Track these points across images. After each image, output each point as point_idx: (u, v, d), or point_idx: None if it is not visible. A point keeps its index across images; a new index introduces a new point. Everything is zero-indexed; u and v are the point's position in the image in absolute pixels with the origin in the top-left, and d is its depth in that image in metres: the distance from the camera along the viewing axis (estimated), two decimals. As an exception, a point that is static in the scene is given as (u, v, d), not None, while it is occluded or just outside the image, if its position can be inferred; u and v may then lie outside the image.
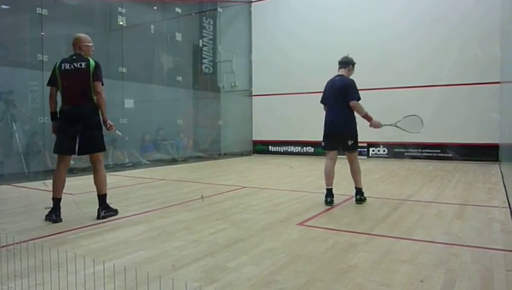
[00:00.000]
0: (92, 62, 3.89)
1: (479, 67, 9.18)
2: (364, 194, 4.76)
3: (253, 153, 12.47)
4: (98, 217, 3.91)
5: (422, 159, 9.88)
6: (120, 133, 4.39)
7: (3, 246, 2.91)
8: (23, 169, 6.98)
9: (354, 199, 4.72)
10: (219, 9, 11.87)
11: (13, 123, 7.00)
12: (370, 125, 4.66)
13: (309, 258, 2.76)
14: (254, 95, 12.55)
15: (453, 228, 3.58)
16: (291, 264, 2.63)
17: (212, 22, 11.78)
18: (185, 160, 10.33)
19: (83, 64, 3.86)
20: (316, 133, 10.79)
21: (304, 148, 11.65)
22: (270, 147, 12.26)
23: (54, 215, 3.81)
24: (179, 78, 10.66)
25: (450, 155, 9.68)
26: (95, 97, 3.87)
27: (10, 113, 6.98)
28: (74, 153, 4.00)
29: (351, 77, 4.70)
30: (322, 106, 4.87)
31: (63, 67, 3.88)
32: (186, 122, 11.00)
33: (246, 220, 3.90)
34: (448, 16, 9.58)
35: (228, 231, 3.47)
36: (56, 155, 3.99)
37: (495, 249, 2.95)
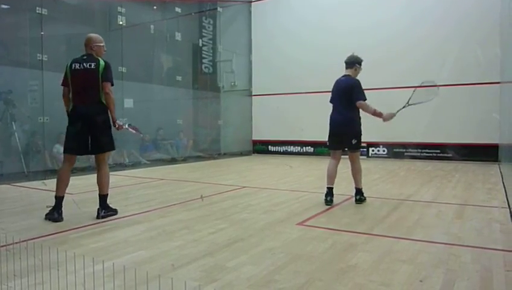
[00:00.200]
0: (101, 62, 3.92)
1: (479, 68, 9.18)
2: (364, 194, 4.76)
3: (253, 152, 12.47)
4: (98, 217, 3.91)
5: (422, 159, 9.89)
6: (134, 131, 4.41)
7: (2, 246, 2.90)
8: (23, 169, 6.98)
9: (354, 199, 4.72)
10: (219, 9, 11.87)
11: (13, 123, 6.99)
12: (384, 120, 4.58)
13: (308, 258, 2.76)
14: (254, 95, 12.55)
15: (453, 228, 3.58)
16: (291, 264, 2.63)
17: (212, 22, 11.77)
18: (185, 160, 10.33)
19: (92, 64, 3.89)
20: (316, 133, 10.87)
21: (304, 148, 11.65)
22: (269, 146, 12.26)
23: (56, 213, 3.81)
24: (179, 78, 10.66)
25: (449, 155, 9.68)
26: (103, 97, 3.89)
27: (10, 112, 6.97)
28: (81, 154, 4.01)
29: (358, 76, 4.69)
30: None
31: (73, 67, 3.93)
32: (185, 122, 11.00)
33: (245, 219, 3.90)
34: (448, 16, 9.59)
35: (228, 231, 3.47)
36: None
37: (494, 249, 2.95)
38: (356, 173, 4.69)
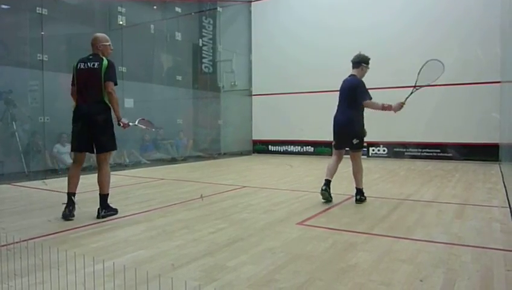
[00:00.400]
0: (104, 62, 3.94)
1: (479, 67, 9.18)
2: (364, 194, 4.75)
3: (253, 152, 12.47)
4: (98, 217, 3.91)
5: (422, 159, 9.88)
6: (144, 127, 4.43)
7: (3, 245, 2.91)
8: (23, 168, 6.98)
9: (354, 198, 4.72)
10: (219, 8, 11.87)
11: (13, 123, 7.00)
12: (394, 112, 4.55)
13: (308, 257, 2.76)
14: (254, 95, 12.55)
15: (453, 227, 3.58)
16: (291, 264, 2.63)
17: (212, 22, 11.77)
18: (185, 159, 10.33)
19: (96, 64, 3.92)
20: (316, 132, 10.87)
21: (304, 147, 11.65)
22: (269, 146, 12.26)
23: (67, 210, 3.86)
24: (179, 78, 10.66)
25: (450, 155, 9.68)
26: (106, 97, 3.91)
27: (10, 112, 6.98)
28: (87, 151, 4.05)
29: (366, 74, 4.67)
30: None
31: (78, 67, 3.98)
32: (185, 121, 11.00)
33: (245, 219, 3.90)
34: (448, 15, 9.58)
35: (228, 231, 3.47)
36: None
37: (495, 249, 2.95)
38: (357, 172, 4.69)
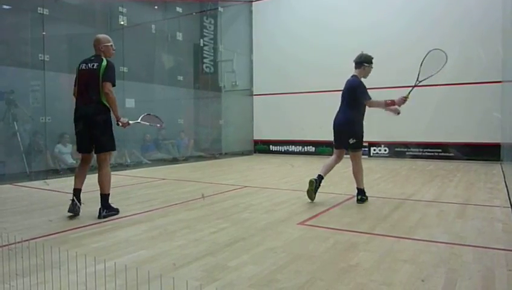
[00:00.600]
0: (103, 63, 3.97)
1: (481, 66, 9.15)
2: (366, 194, 4.74)
3: (254, 152, 12.47)
4: (99, 217, 3.92)
5: (424, 159, 9.87)
6: (147, 124, 4.44)
7: (5, 245, 2.91)
8: (25, 168, 6.99)
9: (355, 198, 4.72)
10: (220, 8, 11.87)
11: (15, 123, 7.01)
12: (399, 106, 4.53)
13: (310, 257, 2.76)
14: (255, 95, 12.55)
15: (455, 227, 3.57)
16: (292, 264, 2.63)
17: (213, 22, 11.77)
18: (186, 159, 10.33)
19: (95, 65, 3.96)
20: (317, 132, 10.85)
21: (305, 147, 11.64)
22: (271, 146, 12.26)
23: (72, 205, 3.92)
24: (180, 78, 10.66)
25: (451, 154, 9.66)
26: (104, 98, 3.93)
27: (12, 112, 6.99)
28: (89, 152, 4.09)
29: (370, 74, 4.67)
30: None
31: (80, 68, 4.03)
32: (187, 121, 11.01)
33: (246, 219, 3.90)
34: (448, 14, 9.56)
35: (229, 230, 3.47)
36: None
37: (496, 249, 2.94)
38: (357, 172, 4.68)
